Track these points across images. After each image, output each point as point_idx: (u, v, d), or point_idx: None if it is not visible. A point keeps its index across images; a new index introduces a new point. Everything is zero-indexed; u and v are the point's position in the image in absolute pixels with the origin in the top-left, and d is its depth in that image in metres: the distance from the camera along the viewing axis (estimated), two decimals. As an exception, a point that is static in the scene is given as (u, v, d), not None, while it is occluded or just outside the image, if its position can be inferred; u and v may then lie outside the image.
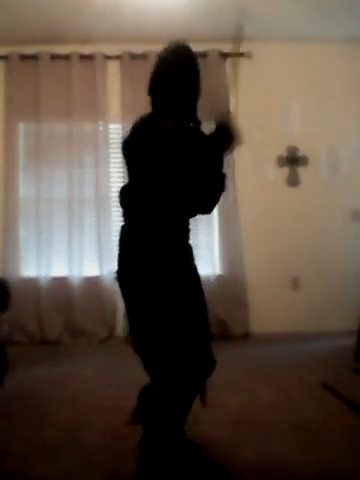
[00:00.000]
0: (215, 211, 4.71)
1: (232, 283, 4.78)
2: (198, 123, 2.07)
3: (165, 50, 2.07)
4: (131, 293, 1.98)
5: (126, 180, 2.14)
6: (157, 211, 1.96)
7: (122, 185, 2.12)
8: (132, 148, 2.06)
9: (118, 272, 2.02)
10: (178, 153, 1.91)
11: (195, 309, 1.96)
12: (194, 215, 2.07)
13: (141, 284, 1.93)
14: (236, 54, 2.94)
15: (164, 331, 1.90)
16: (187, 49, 2.08)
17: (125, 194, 2.07)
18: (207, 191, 1.95)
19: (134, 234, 1.99)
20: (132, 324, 2.04)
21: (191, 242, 2.08)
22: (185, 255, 2.02)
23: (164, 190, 1.94)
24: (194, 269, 2.03)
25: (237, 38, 2.46)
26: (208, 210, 2.04)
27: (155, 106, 2.05)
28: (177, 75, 2.01)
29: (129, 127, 2.14)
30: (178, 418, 1.98)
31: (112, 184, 4.81)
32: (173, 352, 1.89)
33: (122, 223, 2.08)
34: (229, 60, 4.82)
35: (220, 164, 1.97)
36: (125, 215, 2.07)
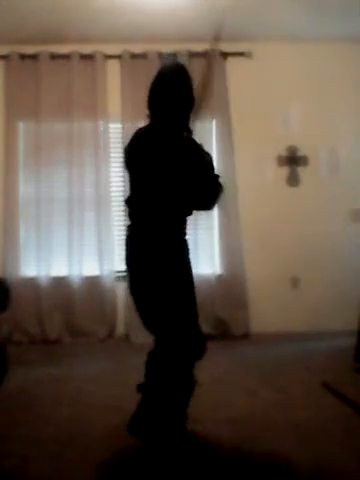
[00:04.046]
0: (215, 211, 4.78)
1: (232, 283, 4.77)
2: (190, 132, 2.32)
3: (163, 67, 2.43)
4: (138, 279, 2.31)
5: (129, 187, 2.42)
6: (159, 212, 2.25)
7: (127, 196, 2.39)
8: (139, 156, 2.29)
9: (126, 263, 2.34)
10: (184, 159, 2.21)
11: (187, 291, 2.29)
12: (191, 213, 2.36)
13: (145, 272, 2.26)
14: (213, 50, 3.24)
15: (165, 306, 2.24)
16: (182, 67, 2.41)
17: (130, 201, 2.36)
18: (206, 192, 2.27)
19: (138, 232, 2.30)
20: (140, 304, 2.33)
21: (190, 241, 2.34)
22: (181, 249, 2.33)
23: (169, 193, 2.23)
24: (188, 261, 2.33)
25: (216, 37, 2.93)
26: (209, 207, 2.36)
27: (155, 118, 2.32)
28: (174, 90, 2.29)
29: (130, 137, 2.39)
30: (181, 384, 2.25)
31: (112, 184, 4.81)
32: (172, 323, 2.24)
33: (128, 223, 2.39)
34: (227, 60, 4.83)
35: (212, 168, 2.29)
36: (130, 216, 2.37)
